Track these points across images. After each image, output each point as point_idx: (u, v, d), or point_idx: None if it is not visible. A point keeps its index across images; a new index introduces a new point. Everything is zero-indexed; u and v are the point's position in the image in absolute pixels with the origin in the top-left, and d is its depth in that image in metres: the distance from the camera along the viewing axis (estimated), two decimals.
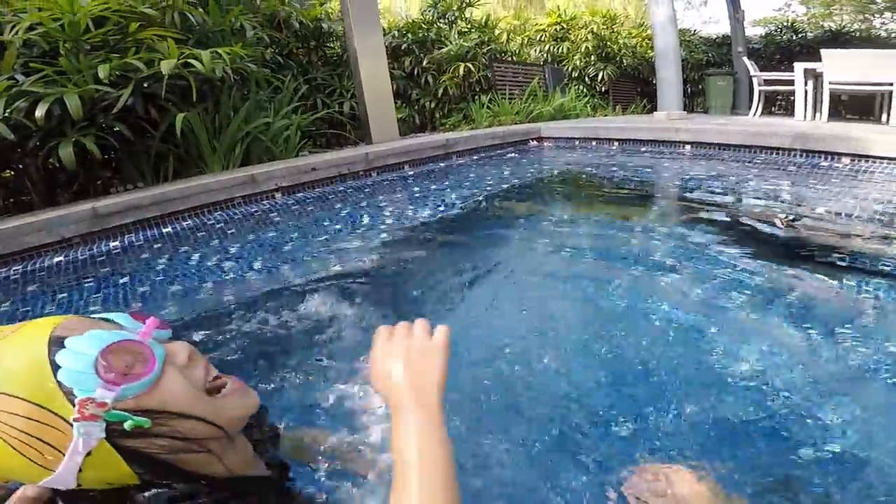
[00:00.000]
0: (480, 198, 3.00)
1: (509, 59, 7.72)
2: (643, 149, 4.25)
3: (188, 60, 2.81)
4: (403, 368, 0.53)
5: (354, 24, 4.23)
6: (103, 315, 0.51)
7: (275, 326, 1.44)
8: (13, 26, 2.56)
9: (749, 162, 3.45)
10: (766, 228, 2.14)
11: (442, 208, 2.81)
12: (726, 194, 2.75)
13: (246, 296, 1.72)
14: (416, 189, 3.37)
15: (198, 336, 1.40)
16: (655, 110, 5.60)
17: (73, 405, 0.41)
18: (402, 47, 6.23)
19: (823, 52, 4.60)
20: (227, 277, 1.95)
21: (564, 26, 8.58)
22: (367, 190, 3.34)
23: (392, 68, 5.76)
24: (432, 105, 6.35)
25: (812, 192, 2.66)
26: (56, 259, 2.18)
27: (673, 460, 0.82)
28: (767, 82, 5.83)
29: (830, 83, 4.57)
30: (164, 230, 2.53)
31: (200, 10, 3.36)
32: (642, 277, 1.64)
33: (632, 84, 9.21)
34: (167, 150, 3.17)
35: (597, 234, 2.24)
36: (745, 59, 6.54)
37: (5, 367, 0.41)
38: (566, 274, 1.77)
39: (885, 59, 4.37)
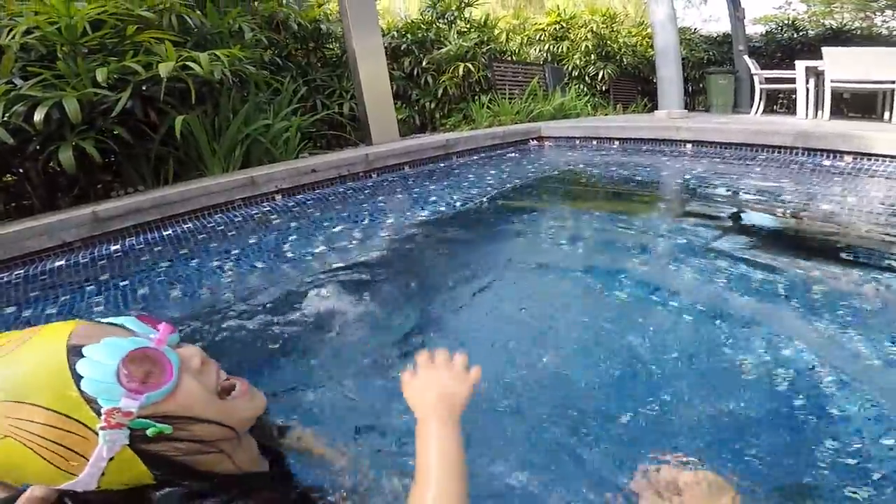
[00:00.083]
0: (481, 198, 2.99)
1: (509, 58, 7.71)
2: (644, 148, 4.23)
3: (186, 63, 2.81)
4: (437, 393, 0.63)
5: (353, 25, 4.22)
6: (111, 319, 0.52)
7: (275, 328, 1.43)
8: (10, 30, 2.55)
9: (750, 160, 3.44)
10: (768, 227, 2.13)
11: (442, 208, 2.80)
12: (727, 193, 2.74)
13: (246, 298, 1.71)
14: (417, 190, 3.36)
15: (198, 338, 1.39)
16: (656, 109, 5.59)
17: (97, 413, 0.43)
18: (402, 48, 6.22)
19: (825, 50, 4.57)
20: (228, 280, 1.95)
21: (564, 25, 8.56)
22: (367, 191, 3.34)
23: (391, 69, 5.76)
24: (432, 105, 6.34)
25: (814, 191, 2.65)
26: (57, 263, 2.18)
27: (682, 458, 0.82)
28: (769, 80, 5.81)
29: (832, 81, 4.55)
30: (164, 233, 2.52)
31: (198, 12, 3.35)
32: (645, 276, 1.63)
33: (632, 83, 9.19)
34: (167, 152, 3.17)
35: (598, 234, 2.23)
36: (745, 57, 6.52)
37: (26, 376, 0.42)
38: (568, 272, 1.77)
39: (886, 58, 4.35)
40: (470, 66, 6.18)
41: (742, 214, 2.35)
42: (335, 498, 0.68)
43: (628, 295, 1.50)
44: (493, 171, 3.84)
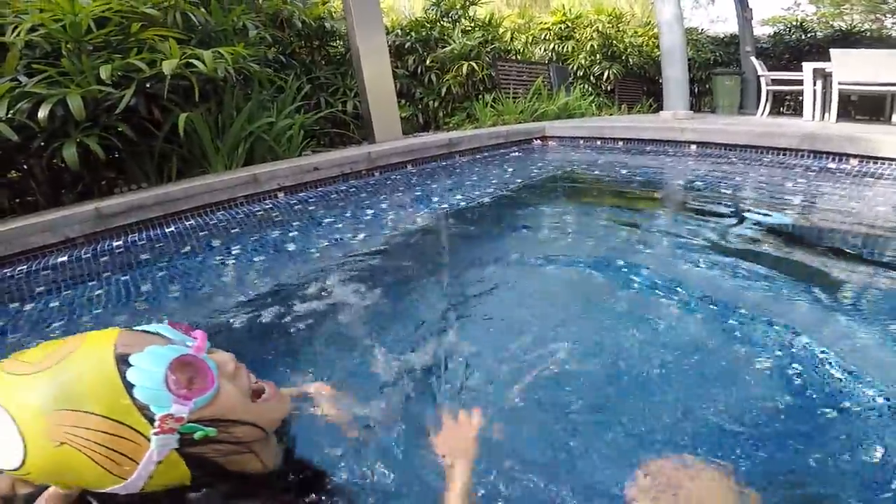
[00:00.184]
0: (483, 197, 2.99)
1: (513, 57, 7.68)
2: (648, 148, 4.21)
3: (190, 60, 2.81)
4: (463, 446, 0.80)
5: (356, 23, 4.22)
6: (146, 327, 0.55)
7: (277, 325, 1.43)
8: (15, 27, 2.56)
9: (756, 162, 3.41)
10: (769, 228, 2.11)
11: (445, 207, 2.80)
12: (731, 194, 2.72)
13: (248, 295, 1.72)
14: (419, 188, 3.36)
15: None
16: (662, 109, 5.55)
17: (149, 420, 0.46)
18: (406, 46, 6.22)
19: (833, 51, 4.53)
20: (230, 277, 1.96)
21: (569, 25, 8.52)
22: (369, 189, 3.34)
23: (395, 67, 5.76)
24: (436, 104, 6.33)
25: (819, 193, 2.62)
26: (60, 259, 2.19)
27: (685, 455, 0.81)
28: (776, 82, 5.76)
29: (840, 83, 4.50)
30: (167, 230, 2.53)
31: (202, 9, 3.36)
32: (647, 273, 1.62)
33: (638, 83, 9.14)
34: (170, 150, 3.17)
35: (600, 234, 2.22)
36: (752, 58, 6.46)
37: (79, 386, 0.44)
38: (569, 271, 1.76)
39: (895, 60, 4.30)
40: (474, 64, 6.16)
41: (745, 216, 2.33)
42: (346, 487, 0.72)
43: (631, 294, 1.50)
44: (496, 171, 3.83)
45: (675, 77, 5.30)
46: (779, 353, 1.12)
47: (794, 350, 1.13)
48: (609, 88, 8.53)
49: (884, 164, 2.83)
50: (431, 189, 3.32)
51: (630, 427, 0.92)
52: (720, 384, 1.03)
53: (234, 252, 2.23)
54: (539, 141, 4.93)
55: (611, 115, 7.31)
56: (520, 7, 12.36)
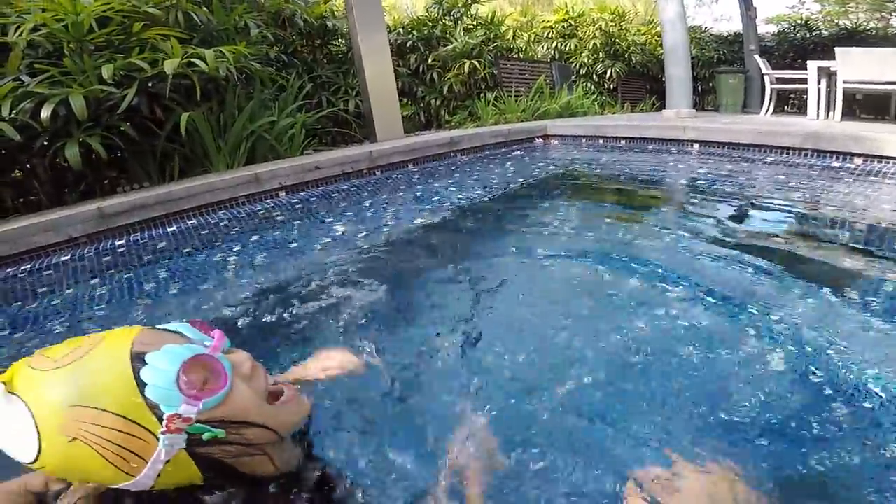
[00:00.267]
0: (484, 196, 2.98)
1: (516, 56, 7.66)
2: (650, 147, 4.20)
3: (192, 60, 2.82)
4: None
5: (358, 22, 4.22)
6: (167, 326, 0.55)
7: (278, 324, 1.44)
8: (17, 27, 2.57)
9: (759, 161, 3.40)
10: (773, 225, 2.10)
11: (447, 206, 2.79)
12: (733, 193, 2.71)
13: (248, 294, 1.72)
14: (421, 187, 3.36)
15: None
16: (665, 108, 5.53)
17: (158, 418, 0.46)
18: (408, 44, 6.21)
19: (838, 50, 4.50)
20: (231, 276, 1.96)
21: (572, 23, 8.50)
22: (370, 188, 3.34)
23: (397, 66, 5.76)
24: (438, 102, 6.32)
25: (822, 193, 2.61)
26: (63, 258, 2.20)
27: (688, 456, 0.81)
28: (780, 80, 5.73)
29: (844, 82, 4.47)
30: (169, 229, 2.54)
31: (204, 8, 3.36)
32: (649, 272, 1.62)
33: (641, 81, 9.11)
34: (173, 149, 3.18)
35: (600, 233, 2.21)
36: (756, 56, 6.43)
37: (94, 382, 0.45)
38: (569, 269, 1.76)
39: None
40: (476, 63, 6.15)
41: (747, 215, 2.32)
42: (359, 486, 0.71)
43: (631, 292, 1.49)
44: (497, 170, 3.83)
45: (677, 75, 5.28)
46: (785, 348, 1.12)
47: (798, 345, 1.13)
48: (612, 87, 8.50)
49: (888, 162, 2.81)
50: (433, 188, 3.32)
51: (628, 427, 0.91)
52: (724, 378, 1.03)
53: (235, 251, 2.24)
54: (541, 140, 4.92)
55: (614, 113, 7.29)
56: (522, 5, 12.33)
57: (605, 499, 0.74)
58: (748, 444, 0.86)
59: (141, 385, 0.46)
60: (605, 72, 8.26)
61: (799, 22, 9.09)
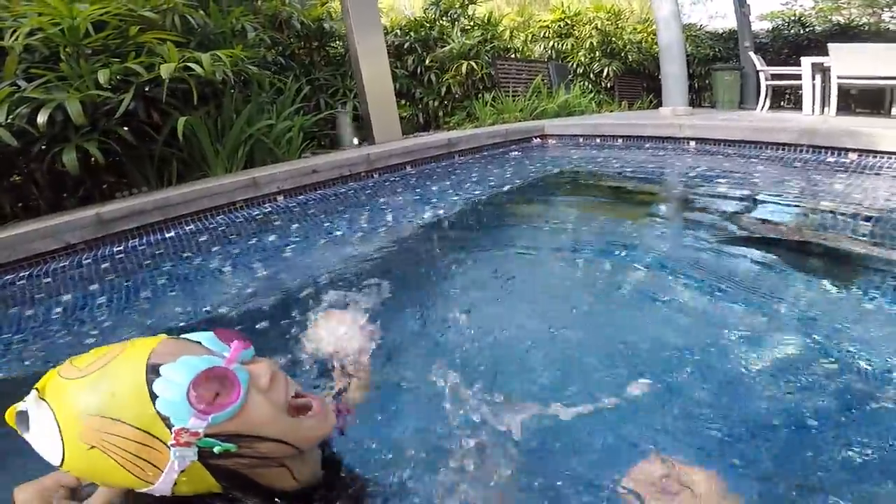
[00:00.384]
0: (483, 197, 2.99)
1: (513, 56, 7.67)
2: (647, 145, 4.21)
3: (188, 64, 2.81)
4: None
5: (355, 24, 4.22)
6: (190, 336, 0.55)
7: (277, 327, 1.44)
8: (14, 31, 2.57)
9: (755, 158, 3.41)
10: (771, 224, 2.11)
11: (445, 207, 2.80)
12: (730, 190, 2.71)
13: (247, 298, 1.72)
14: (419, 189, 3.36)
15: None
16: (661, 106, 5.55)
17: (171, 431, 0.47)
18: (405, 46, 6.22)
19: (831, 46, 4.51)
20: (230, 280, 1.96)
21: (569, 22, 8.51)
22: (368, 191, 3.34)
23: (395, 67, 5.75)
24: (436, 103, 6.33)
25: (817, 188, 2.62)
26: (61, 264, 2.20)
27: (685, 455, 0.82)
28: (775, 77, 5.75)
29: (839, 77, 4.49)
30: (166, 235, 2.54)
31: (201, 12, 3.36)
32: (649, 271, 1.63)
33: (637, 80, 9.12)
34: (170, 153, 3.18)
35: (601, 232, 2.22)
36: (751, 53, 6.44)
37: (112, 393, 0.46)
38: (570, 269, 1.77)
39: (893, 53, 4.29)
40: (473, 63, 6.16)
41: (742, 212, 2.33)
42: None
43: (631, 291, 1.50)
44: (496, 171, 3.83)
45: (673, 73, 5.29)
46: (784, 350, 1.12)
47: (796, 340, 1.13)
48: (609, 85, 8.51)
49: (882, 157, 2.82)
50: (430, 190, 3.33)
51: (630, 425, 0.92)
52: (732, 380, 1.03)
53: (233, 255, 2.24)
54: (538, 139, 4.92)
55: (611, 112, 7.30)
56: (519, 5, 12.34)
57: (605, 498, 0.75)
58: (749, 439, 0.86)
59: (153, 397, 0.46)
60: (602, 70, 8.27)
61: (792, 18, 9.11)
